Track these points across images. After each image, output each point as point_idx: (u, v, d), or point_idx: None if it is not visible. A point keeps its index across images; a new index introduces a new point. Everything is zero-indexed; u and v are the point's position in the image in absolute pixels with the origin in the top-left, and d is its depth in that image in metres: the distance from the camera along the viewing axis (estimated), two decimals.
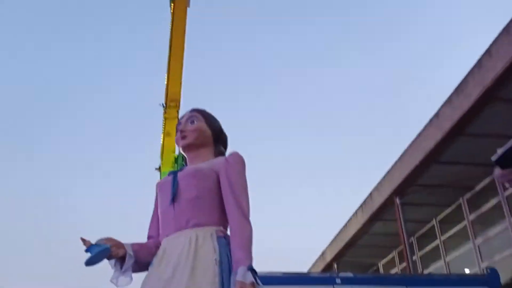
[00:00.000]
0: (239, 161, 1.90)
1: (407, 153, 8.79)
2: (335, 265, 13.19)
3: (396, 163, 9.28)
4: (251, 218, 1.79)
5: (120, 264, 1.79)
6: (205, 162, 1.94)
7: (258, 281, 1.58)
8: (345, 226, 12.05)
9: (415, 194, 9.15)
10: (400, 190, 9.11)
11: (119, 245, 1.79)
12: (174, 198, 1.86)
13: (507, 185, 1.51)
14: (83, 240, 1.72)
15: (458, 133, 7.46)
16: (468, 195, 9.26)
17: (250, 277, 1.55)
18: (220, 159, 1.93)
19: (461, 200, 9.42)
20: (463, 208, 9.41)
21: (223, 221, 1.81)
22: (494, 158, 1.45)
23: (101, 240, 1.75)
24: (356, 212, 11.33)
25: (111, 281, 1.79)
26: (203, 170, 1.88)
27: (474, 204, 9.21)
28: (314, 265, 14.99)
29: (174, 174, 1.94)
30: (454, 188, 8.82)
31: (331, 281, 4.36)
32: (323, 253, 14.07)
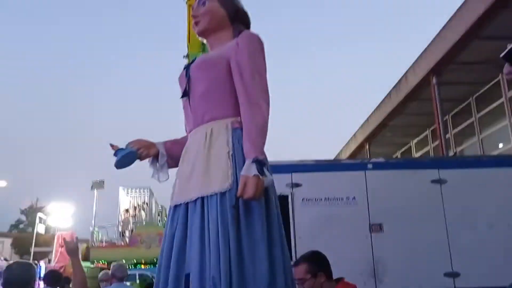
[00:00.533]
0: (250, 41, 1.68)
1: (447, 27, 8.28)
2: (367, 145, 13.45)
3: (434, 39, 8.78)
4: (268, 104, 1.64)
5: (156, 162, 1.85)
6: (219, 48, 1.79)
7: (266, 172, 1.52)
8: (378, 107, 11.98)
9: (453, 73, 8.83)
10: (437, 69, 8.78)
11: (149, 145, 1.83)
12: (185, 93, 1.79)
13: None
14: (111, 145, 1.78)
15: (503, 5, 6.90)
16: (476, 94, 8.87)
17: (253, 170, 1.49)
18: (232, 42, 1.75)
19: (500, 76, 9.05)
20: (501, 85, 9.09)
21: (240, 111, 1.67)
22: (502, 54, 1.39)
23: (130, 143, 1.81)
24: (390, 93, 11.15)
25: (152, 177, 1.89)
26: (212, 59, 1.75)
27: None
28: (346, 146, 15.32)
29: (187, 67, 1.84)
30: (494, 64, 8.39)
31: (363, 166, 4.49)
32: (355, 134, 14.26)
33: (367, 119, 12.92)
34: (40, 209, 47.01)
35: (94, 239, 18.79)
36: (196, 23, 1.84)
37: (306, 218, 4.37)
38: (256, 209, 1.54)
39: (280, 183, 4.53)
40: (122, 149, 1.79)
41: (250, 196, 1.47)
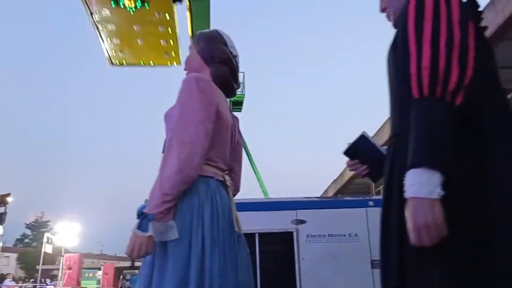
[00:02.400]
0: (182, 88, 1.63)
1: None
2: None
3: None
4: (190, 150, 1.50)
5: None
6: None
7: (148, 227, 1.42)
8: (386, 122, 12.15)
9: None
10: None
11: None
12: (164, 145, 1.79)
13: (357, 173, 1.62)
14: None
15: (501, 38, 7.12)
16: (508, 97, 9.01)
17: (134, 226, 1.43)
18: None
19: None
20: None
21: None
22: (343, 151, 1.58)
23: None
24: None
25: None
26: (169, 110, 1.74)
27: None
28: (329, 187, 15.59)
29: None
30: None
31: (364, 203, 4.67)
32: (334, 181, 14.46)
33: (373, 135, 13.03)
34: (45, 224, 47.19)
35: None
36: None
37: (310, 254, 4.55)
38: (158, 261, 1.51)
39: (286, 220, 4.73)
40: None
41: (127, 254, 1.47)
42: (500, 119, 1.15)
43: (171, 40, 8.65)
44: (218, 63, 1.82)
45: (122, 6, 7.70)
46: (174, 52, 8.84)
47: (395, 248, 1.17)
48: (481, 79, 1.13)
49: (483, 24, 1.28)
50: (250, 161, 17.38)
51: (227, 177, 1.74)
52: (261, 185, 17.37)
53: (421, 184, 1.02)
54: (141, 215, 1.43)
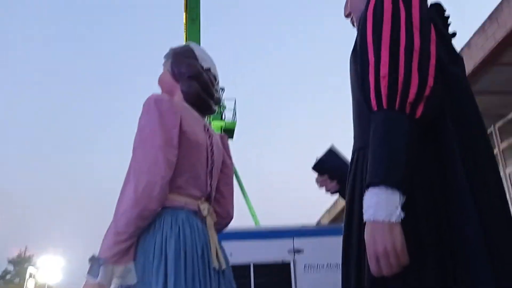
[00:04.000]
0: (142, 111, 1.50)
1: None
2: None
3: None
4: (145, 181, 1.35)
5: None
6: None
7: (98, 272, 1.29)
8: None
9: None
10: None
11: None
12: None
13: (325, 190, 1.53)
14: None
15: (491, 63, 7.14)
16: (500, 123, 9.05)
17: (86, 271, 1.31)
18: None
19: (492, 128, 9.23)
20: (494, 137, 9.25)
21: None
22: (312, 166, 1.50)
23: None
24: None
25: None
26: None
27: (506, 131, 9.02)
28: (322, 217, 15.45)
29: None
30: (485, 117, 8.58)
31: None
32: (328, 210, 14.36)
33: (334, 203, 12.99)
34: (28, 259, 45.83)
35: None
36: None
37: (309, 286, 4.31)
38: None
39: (282, 249, 4.49)
40: None
41: None
42: (466, 131, 1.07)
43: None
44: (188, 79, 1.70)
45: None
46: None
47: (353, 277, 1.09)
48: (444, 89, 1.07)
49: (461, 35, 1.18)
50: (240, 187, 17.27)
51: (203, 205, 1.56)
52: (252, 214, 17.16)
53: (379, 205, 0.94)
54: (92, 258, 1.30)
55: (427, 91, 1.02)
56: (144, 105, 1.50)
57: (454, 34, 1.22)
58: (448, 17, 1.25)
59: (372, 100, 1.03)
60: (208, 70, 1.76)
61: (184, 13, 15.50)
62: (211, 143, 1.68)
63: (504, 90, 7.65)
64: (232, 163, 1.87)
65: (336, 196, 1.56)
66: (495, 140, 9.26)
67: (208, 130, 1.71)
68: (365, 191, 0.98)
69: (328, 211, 15.77)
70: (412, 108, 1.00)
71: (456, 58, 1.18)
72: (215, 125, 17.03)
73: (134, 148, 1.44)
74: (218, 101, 1.80)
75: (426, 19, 1.09)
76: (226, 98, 18.70)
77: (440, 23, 1.17)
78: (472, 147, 1.06)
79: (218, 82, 1.82)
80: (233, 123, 17.58)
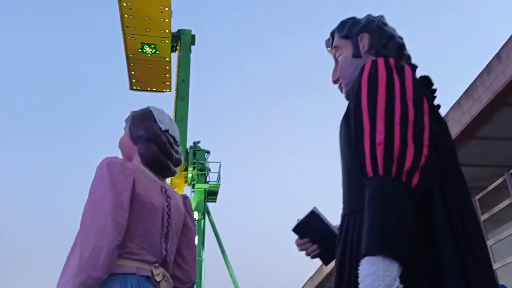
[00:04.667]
0: (94, 174, 1.51)
1: None
2: None
3: None
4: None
5: None
6: None
7: None
8: None
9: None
10: None
11: None
12: None
13: (305, 254, 1.48)
14: None
15: (468, 137, 7.39)
16: (480, 195, 9.19)
17: None
18: None
19: (472, 200, 9.34)
20: (475, 208, 9.33)
21: None
22: (292, 228, 1.45)
23: None
24: None
25: None
26: None
27: (486, 204, 9.14)
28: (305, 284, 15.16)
29: None
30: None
31: None
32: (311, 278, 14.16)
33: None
34: None
35: None
36: None
37: None
38: None
39: None
40: None
41: None
42: (458, 203, 1.07)
43: (167, 74, 16.59)
44: (145, 141, 1.70)
45: (144, 51, 15.35)
46: (168, 83, 16.91)
47: None
48: (436, 159, 1.07)
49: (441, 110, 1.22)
50: (222, 252, 16.87)
51: (157, 270, 1.51)
52: (233, 281, 16.64)
53: (376, 275, 0.92)
54: None
55: (422, 160, 1.02)
56: (97, 169, 1.50)
57: (439, 107, 1.25)
58: (435, 90, 1.28)
59: (367, 166, 1.02)
60: (166, 131, 1.76)
61: (176, 92, 17.11)
62: (168, 205, 1.65)
63: (481, 163, 7.85)
64: (194, 225, 1.84)
65: (319, 262, 1.53)
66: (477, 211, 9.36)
67: (165, 192, 1.69)
68: (360, 260, 0.96)
69: (311, 278, 15.37)
70: (408, 177, 1.00)
71: (445, 130, 1.20)
72: (199, 187, 16.94)
73: (83, 212, 1.41)
74: (178, 162, 1.79)
75: (418, 91, 1.11)
76: (211, 161, 18.78)
77: (430, 96, 1.20)
78: (462, 217, 1.06)
79: (178, 144, 1.82)
80: (217, 186, 17.50)
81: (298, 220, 1.44)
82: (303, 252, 1.47)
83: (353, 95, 1.16)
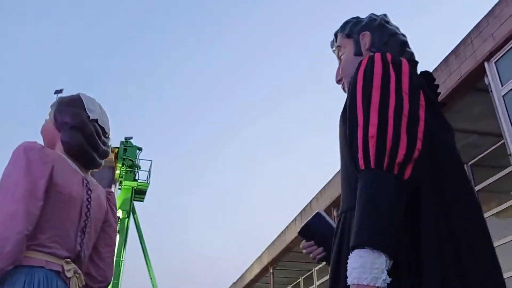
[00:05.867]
0: (10, 159, 1.41)
1: None
2: (271, 269, 13.32)
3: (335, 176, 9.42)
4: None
5: None
6: None
7: None
8: (284, 232, 12.16)
9: None
10: (338, 202, 9.27)
11: None
12: None
13: (311, 258, 1.49)
14: None
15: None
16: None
17: None
18: None
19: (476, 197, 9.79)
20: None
21: None
22: (298, 230, 1.46)
23: None
24: (295, 218, 11.45)
25: None
26: None
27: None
28: (250, 267, 15.12)
29: None
30: None
31: None
32: (260, 256, 14.18)
33: (273, 242, 12.99)
34: None
35: None
36: None
37: None
38: None
39: None
40: None
41: None
42: (452, 199, 1.04)
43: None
44: (70, 129, 1.60)
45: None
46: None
47: None
48: (432, 153, 1.07)
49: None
50: (144, 254, 16.45)
51: (69, 266, 1.42)
52: (152, 283, 16.31)
53: (364, 268, 0.91)
54: None
55: (416, 154, 1.01)
56: (13, 153, 1.40)
57: (442, 104, 1.24)
58: (437, 86, 1.28)
59: (360, 159, 1.02)
60: (95, 121, 1.66)
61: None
62: (88, 198, 1.56)
63: None
64: (116, 222, 1.75)
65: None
66: None
67: (87, 184, 1.60)
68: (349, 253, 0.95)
69: (234, 284, 15.30)
70: (400, 169, 0.99)
71: (446, 126, 1.19)
72: (126, 184, 16.33)
73: None
74: (105, 154, 1.70)
75: (415, 85, 1.11)
76: (142, 158, 18.18)
77: (430, 91, 1.19)
78: (455, 214, 1.03)
79: (107, 135, 1.72)
80: (146, 185, 16.97)
81: (303, 223, 1.45)
82: (302, 253, 1.44)
83: (349, 90, 1.16)
